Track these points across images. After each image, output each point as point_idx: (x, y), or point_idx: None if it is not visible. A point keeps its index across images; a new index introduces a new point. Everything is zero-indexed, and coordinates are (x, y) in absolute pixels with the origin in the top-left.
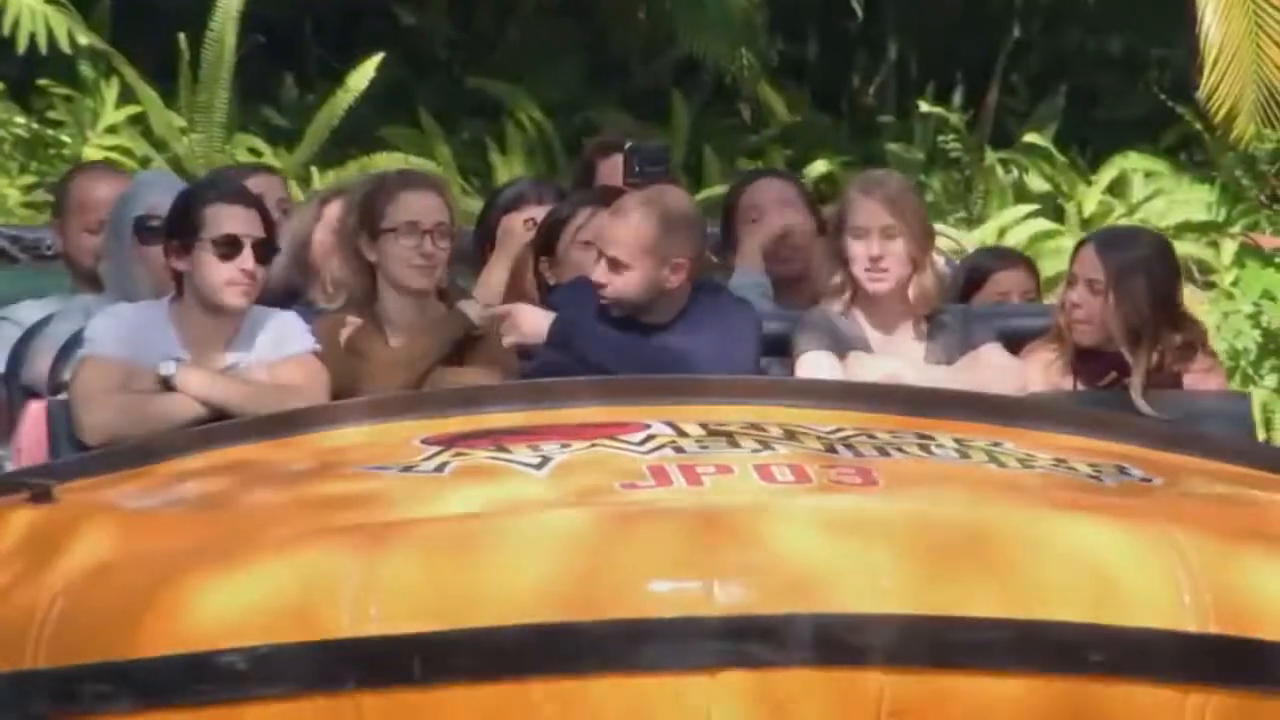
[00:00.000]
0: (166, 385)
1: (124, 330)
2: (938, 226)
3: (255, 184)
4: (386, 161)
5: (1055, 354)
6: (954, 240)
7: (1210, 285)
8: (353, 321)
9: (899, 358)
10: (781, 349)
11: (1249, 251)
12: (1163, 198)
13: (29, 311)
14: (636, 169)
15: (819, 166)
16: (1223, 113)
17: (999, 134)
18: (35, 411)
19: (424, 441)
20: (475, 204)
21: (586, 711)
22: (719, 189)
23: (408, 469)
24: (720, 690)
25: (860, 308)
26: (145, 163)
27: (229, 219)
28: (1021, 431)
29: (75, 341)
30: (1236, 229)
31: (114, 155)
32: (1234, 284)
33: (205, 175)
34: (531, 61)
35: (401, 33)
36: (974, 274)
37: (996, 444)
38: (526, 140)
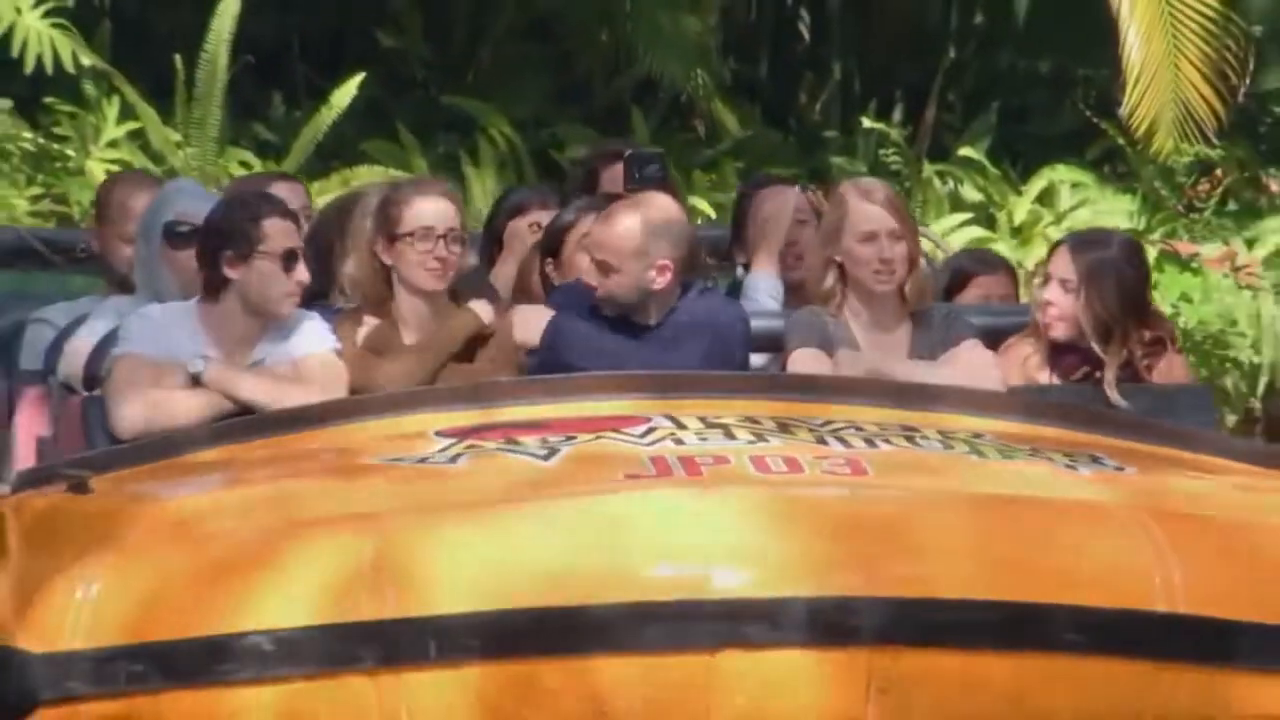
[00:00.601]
0: (195, 382)
1: (155, 330)
2: (920, 229)
3: (279, 190)
4: (368, 174)
5: (1031, 349)
6: (935, 242)
7: None
8: (369, 321)
9: (885, 354)
10: (778, 346)
11: (1168, 257)
12: (1088, 207)
13: (62, 314)
14: (636, 175)
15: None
16: (1143, 128)
17: (936, 148)
18: (73, 406)
19: (438, 434)
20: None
21: (592, 690)
22: None
23: (423, 460)
24: (718, 669)
25: (850, 308)
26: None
27: (287, 234)
28: (1001, 424)
29: (109, 340)
30: (1156, 236)
31: (114, 168)
32: (1154, 288)
33: (238, 182)
34: (502, 81)
35: (381, 54)
36: (956, 276)
37: (978, 435)
38: (497, 154)
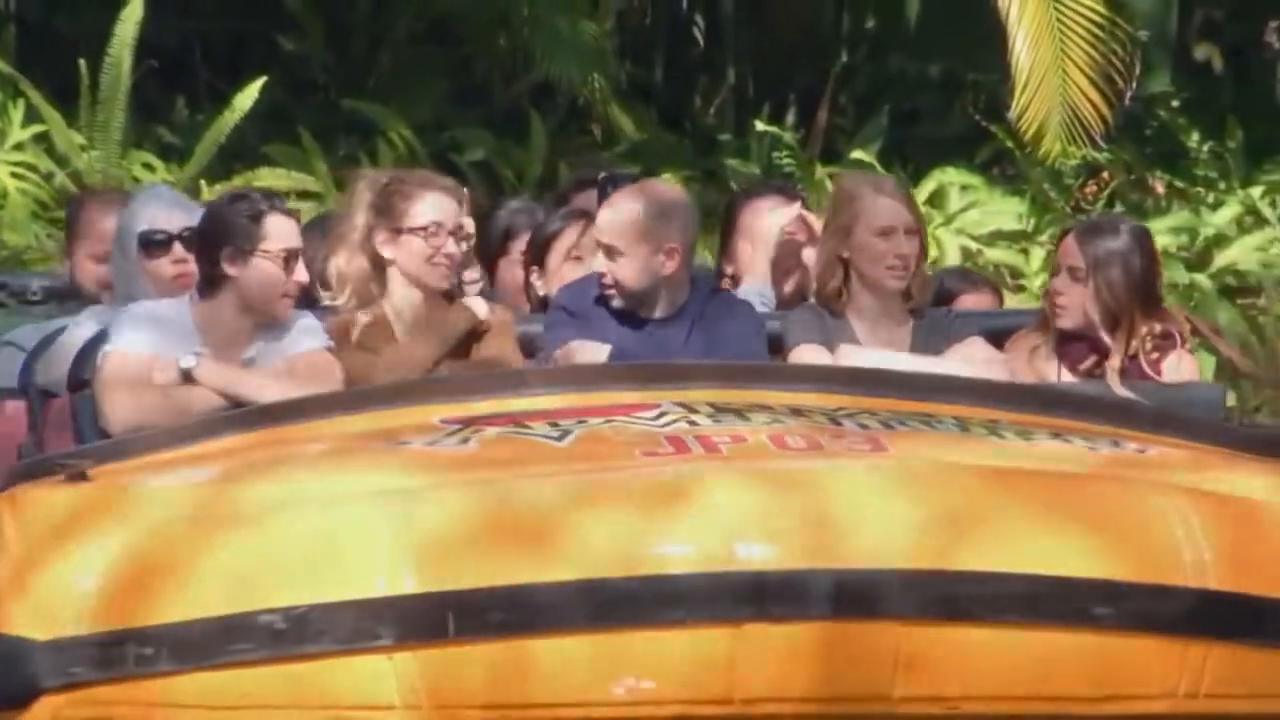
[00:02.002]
0: (187, 378)
1: (147, 326)
2: None
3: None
4: (269, 176)
5: (1040, 340)
6: None
7: (1021, 289)
8: (362, 319)
9: (887, 351)
10: (776, 346)
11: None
12: (977, 209)
13: (29, 336)
14: (610, 195)
15: (665, 180)
16: (1031, 131)
17: (828, 150)
18: (58, 407)
19: (443, 421)
20: None
21: (618, 663)
22: None
23: (432, 443)
24: (744, 642)
25: (854, 306)
26: (49, 177)
27: (288, 234)
28: (1015, 414)
29: (93, 344)
30: (1044, 237)
31: (20, 170)
32: (1042, 287)
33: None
34: (401, 85)
35: (283, 58)
36: (942, 295)
37: (994, 421)
38: (397, 157)
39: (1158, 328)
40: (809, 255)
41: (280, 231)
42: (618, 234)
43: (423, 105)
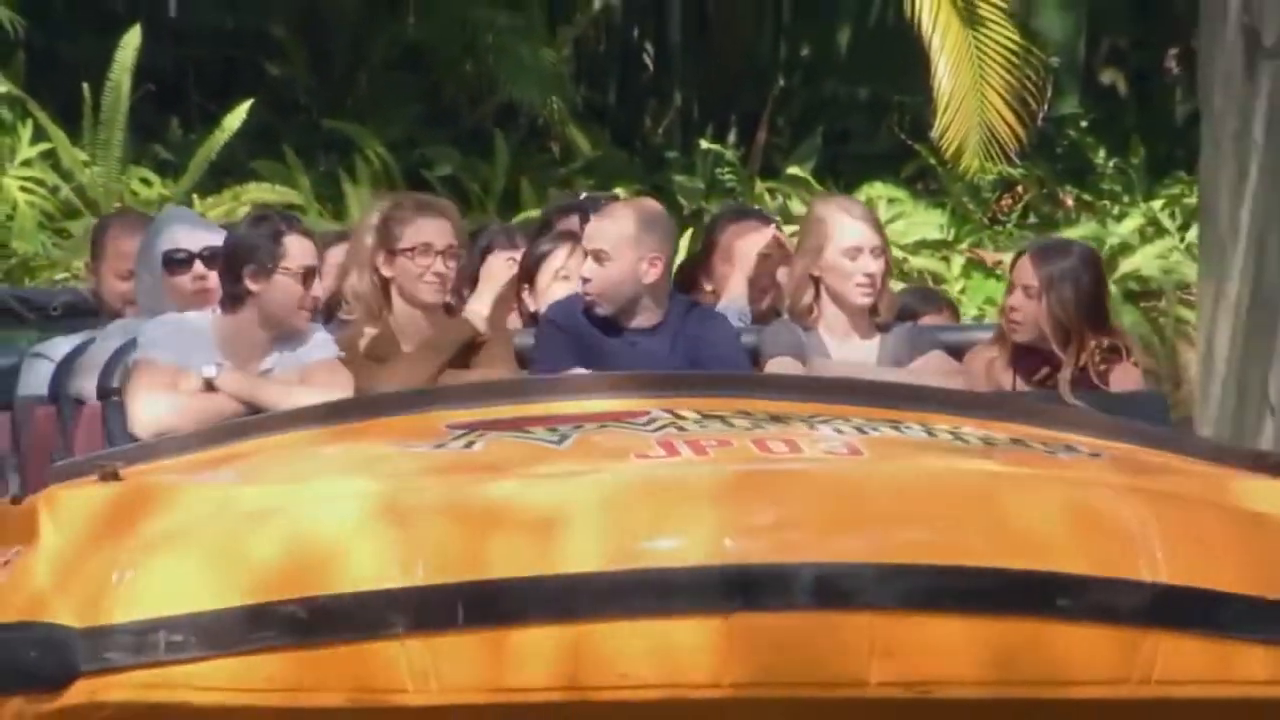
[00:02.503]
0: (209, 386)
1: (173, 336)
2: None
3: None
4: (256, 191)
5: (997, 353)
6: None
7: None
8: (369, 332)
9: (857, 364)
10: (753, 359)
11: (974, 265)
12: (903, 220)
13: (58, 348)
14: (589, 216)
15: (619, 194)
16: (952, 149)
17: (767, 167)
18: (89, 414)
19: (450, 426)
20: (331, 226)
21: (611, 652)
22: (534, 213)
23: (440, 446)
24: (732, 633)
25: (825, 321)
26: (55, 191)
27: (307, 252)
28: (976, 421)
29: (121, 353)
30: (964, 246)
31: (28, 184)
32: (962, 293)
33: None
34: (377, 106)
35: (269, 82)
36: (902, 315)
37: (958, 427)
38: (373, 173)
39: (1105, 342)
40: (783, 274)
41: (299, 250)
42: (607, 239)
43: (396, 125)
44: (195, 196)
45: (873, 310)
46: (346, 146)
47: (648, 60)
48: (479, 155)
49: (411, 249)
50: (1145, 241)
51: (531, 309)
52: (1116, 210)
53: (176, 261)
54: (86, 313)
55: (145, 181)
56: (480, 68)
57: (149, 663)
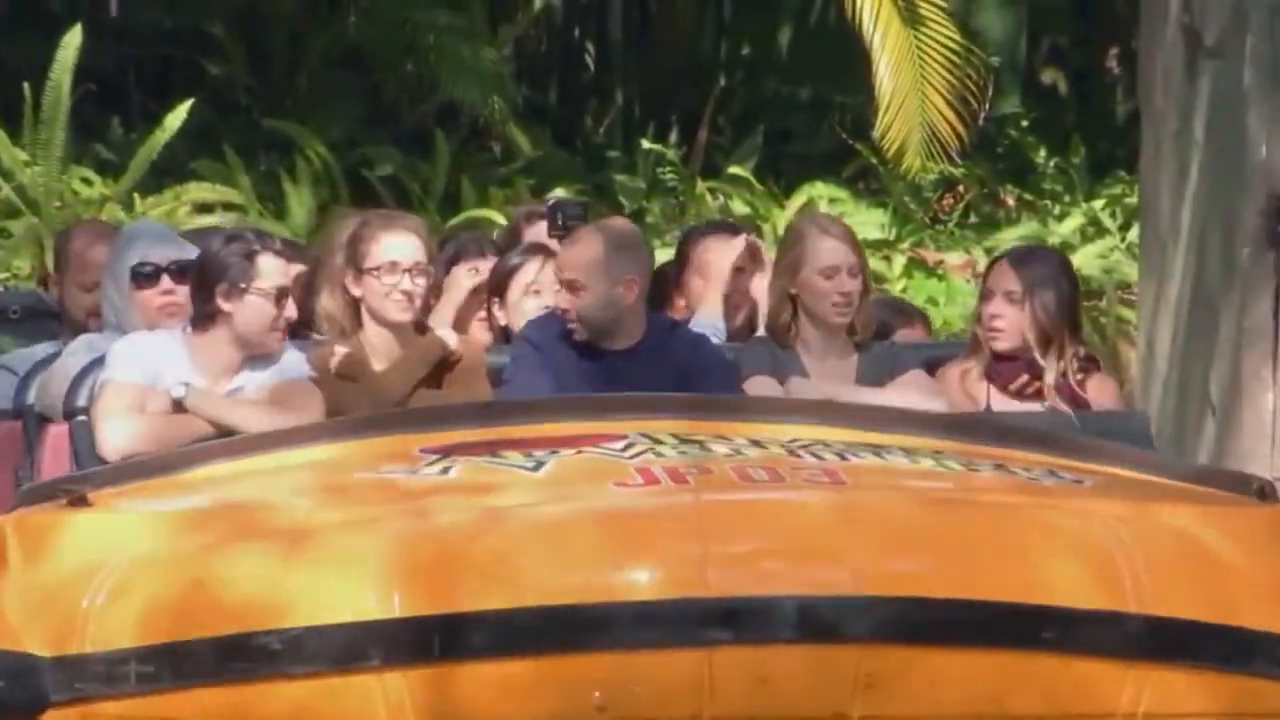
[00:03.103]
0: (178, 407)
1: (141, 355)
2: None
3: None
4: (197, 190)
5: (971, 364)
6: None
7: (884, 294)
8: (340, 350)
9: (835, 383)
10: None
11: (916, 264)
12: (844, 220)
13: (20, 360)
14: (560, 222)
15: (557, 193)
16: (894, 149)
17: (708, 166)
18: (55, 433)
19: (423, 451)
20: (270, 226)
21: (593, 686)
22: (474, 212)
23: (414, 472)
24: (714, 666)
25: (802, 339)
26: None
27: (279, 272)
28: (957, 444)
29: (87, 371)
30: (905, 246)
31: None
32: (903, 291)
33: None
34: (317, 106)
35: (209, 82)
36: (877, 329)
37: (938, 452)
38: (313, 172)
39: (1081, 351)
40: (757, 287)
41: (271, 270)
42: (579, 269)
43: (337, 125)
44: (136, 196)
45: (850, 329)
46: (287, 146)
47: (589, 60)
48: (420, 155)
49: (377, 268)
50: (1086, 241)
51: (502, 323)
52: (1057, 210)
53: (144, 276)
54: (46, 315)
55: (86, 181)
56: (421, 67)
57: (121, 694)
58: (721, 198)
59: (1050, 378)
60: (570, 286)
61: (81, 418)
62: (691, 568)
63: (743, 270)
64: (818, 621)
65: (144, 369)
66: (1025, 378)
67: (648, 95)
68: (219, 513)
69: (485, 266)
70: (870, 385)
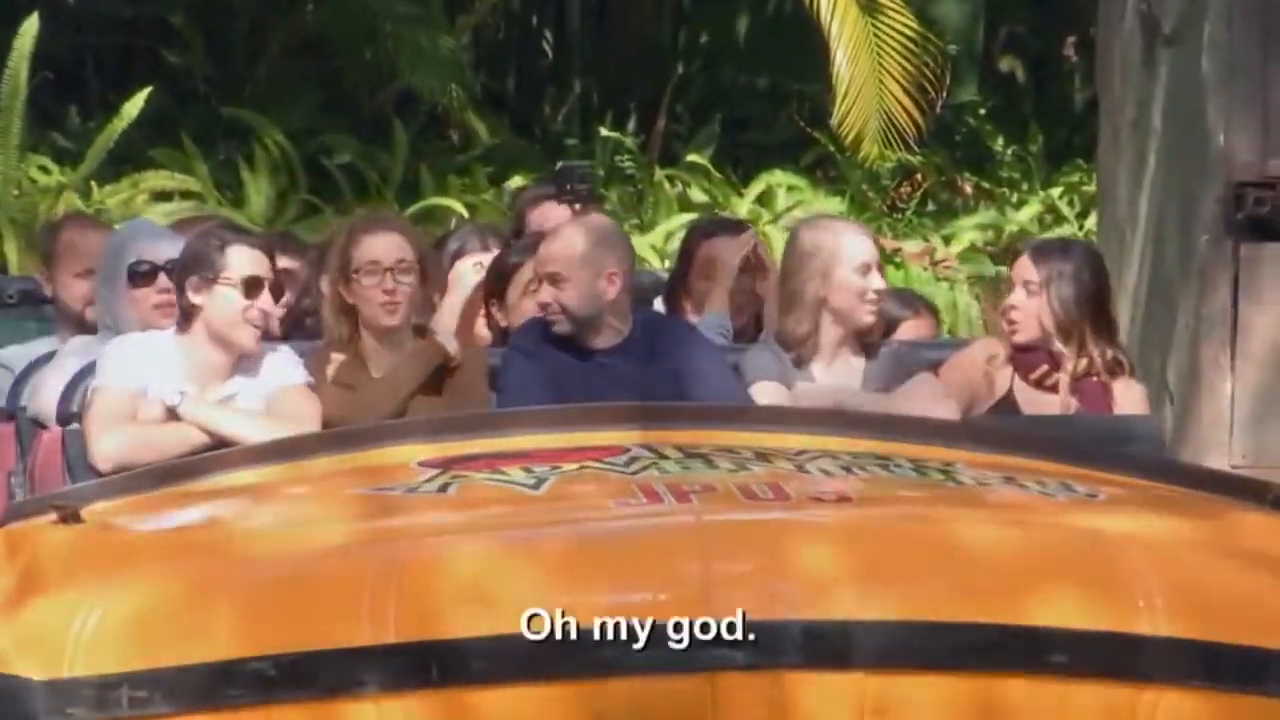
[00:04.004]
0: (172, 415)
1: (132, 361)
2: None
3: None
4: (155, 179)
5: (999, 350)
6: None
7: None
8: (337, 357)
9: (841, 387)
10: None
11: None
12: (802, 208)
13: (17, 357)
14: (567, 186)
15: (516, 181)
16: (851, 137)
17: (666, 154)
18: (48, 440)
19: (421, 464)
20: (228, 215)
21: (594, 713)
22: (433, 200)
23: (413, 490)
24: (718, 691)
25: (814, 341)
26: None
27: (250, 262)
28: (967, 453)
29: (81, 376)
30: None
31: None
32: None
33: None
34: (276, 94)
35: (167, 70)
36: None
37: (949, 464)
38: (272, 160)
39: (1109, 353)
40: (762, 286)
41: (241, 260)
42: (560, 262)
43: (295, 113)
44: (94, 184)
45: (866, 329)
46: (245, 134)
47: (547, 48)
48: (378, 143)
49: (358, 269)
50: (1044, 229)
51: (502, 324)
52: (1015, 198)
53: (140, 274)
54: (43, 301)
55: (44, 169)
56: (379, 56)
57: (112, 719)
58: (680, 185)
59: (1069, 366)
60: (552, 280)
61: (75, 425)
62: (694, 590)
63: (748, 268)
64: (824, 645)
65: (136, 374)
66: (1045, 368)
67: (606, 83)
68: (213, 533)
69: (489, 260)
70: (878, 389)
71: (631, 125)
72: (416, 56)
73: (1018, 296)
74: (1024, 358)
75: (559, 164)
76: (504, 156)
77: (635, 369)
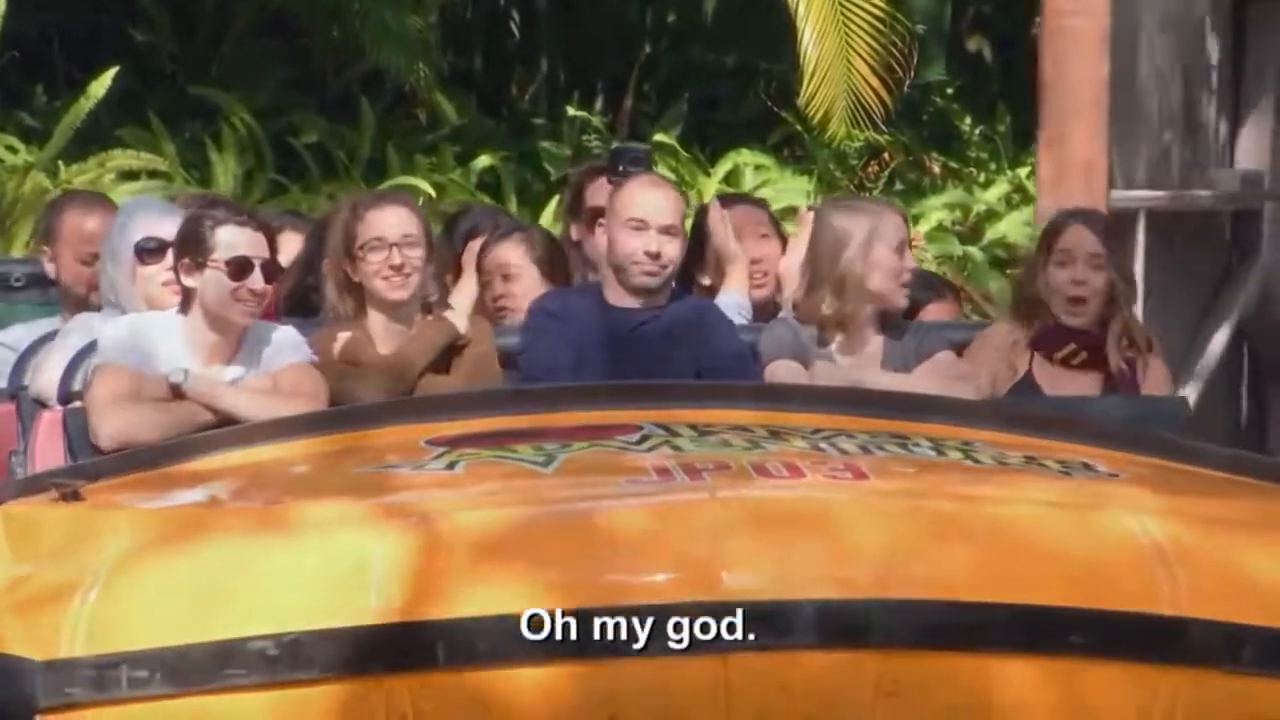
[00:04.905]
0: (176, 393)
1: (135, 340)
2: None
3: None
4: (122, 158)
5: (1019, 333)
6: None
7: None
8: (343, 335)
9: (860, 366)
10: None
11: None
12: (769, 187)
13: (19, 336)
14: (621, 169)
15: (483, 161)
16: (819, 116)
17: (634, 134)
18: (49, 420)
19: (429, 443)
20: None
21: (604, 695)
22: (400, 180)
23: (419, 467)
24: (731, 672)
25: (834, 320)
26: None
27: (242, 241)
28: (988, 433)
29: (83, 355)
30: None
31: None
32: None
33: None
34: (242, 73)
35: (134, 48)
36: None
37: (968, 443)
38: (239, 139)
39: (1139, 328)
40: (778, 262)
41: (229, 241)
42: (677, 213)
43: (262, 91)
44: (61, 163)
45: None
46: (212, 113)
47: (514, 27)
48: (345, 122)
49: (364, 245)
50: (1011, 208)
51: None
52: (983, 177)
53: (148, 251)
54: (49, 283)
55: (10, 149)
56: (346, 34)
57: (111, 700)
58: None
59: (1113, 349)
60: (670, 231)
61: (77, 404)
62: (706, 569)
63: (766, 237)
64: (839, 625)
65: (139, 353)
66: (1072, 347)
67: (573, 62)
68: (216, 511)
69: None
70: (897, 368)
71: (599, 104)
72: (383, 35)
73: (1083, 271)
74: (1049, 338)
75: (614, 145)
76: (471, 136)
77: (662, 343)
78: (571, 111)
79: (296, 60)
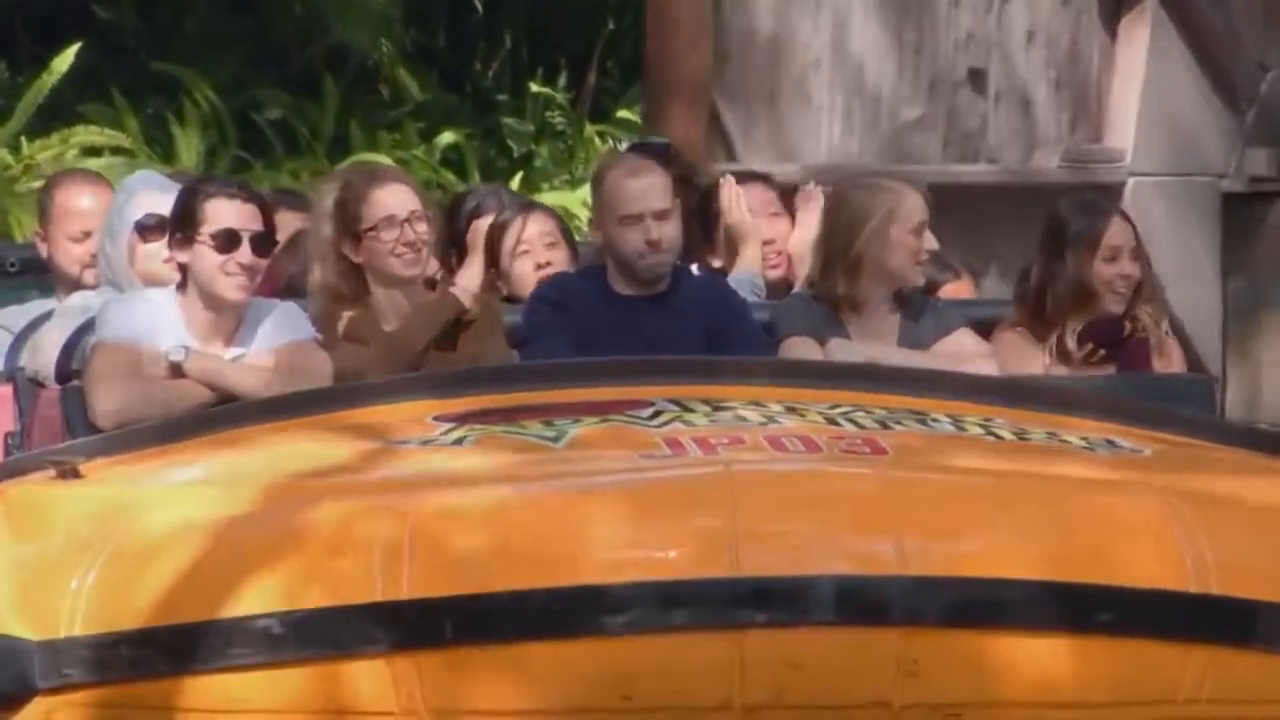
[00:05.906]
0: (176, 371)
1: (134, 317)
2: None
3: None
4: (84, 134)
5: (1032, 328)
6: None
7: None
8: (346, 314)
9: (877, 343)
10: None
11: None
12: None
13: (14, 317)
14: None
15: (447, 137)
16: None
17: (596, 110)
18: (47, 399)
19: (436, 419)
20: (158, 169)
21: (618, 671)
22: (363, 155)
23: (427, 442)
24: (746, 649)
25: (850, 297)
26: None
27: (228, 213)
28: (1009, 410)
29: (81, 333)
30: None
31: None
32: None
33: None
34: (205, 48)
35: (97, 24)
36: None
37: (989, 419)
38: (201, 115)
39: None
40: (790, 238)
41: (216, 214)
42: (666, 191)
43: (225, 67)
44: (23, 139)
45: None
46: (175, 89)
47: (477, 3)
48: (308, 98)
49: (374, 226)
50: None
51: (504, 293)
52: None
53: (150, 228)
54: (46, 270)
55: None
56: (309, 9)
57: (111, 680)
58: (610, 141)
59: (1157, 329)
60: (663, 216)
61: (75, 383)
62: (721, 545)
63: (777, 215)
64: (857, 602)
65: (138, 330)
66: (1090, 346)
67: (536, 38)
68: (218, 488)
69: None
70: (915, 345)
71: (562, 81)
72: (346, 11)
73: (1127, 264)
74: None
75: (637, 137)
76: (434, 112)
77: (671, 318)
78: (535, 88)
79: (259, 36)
